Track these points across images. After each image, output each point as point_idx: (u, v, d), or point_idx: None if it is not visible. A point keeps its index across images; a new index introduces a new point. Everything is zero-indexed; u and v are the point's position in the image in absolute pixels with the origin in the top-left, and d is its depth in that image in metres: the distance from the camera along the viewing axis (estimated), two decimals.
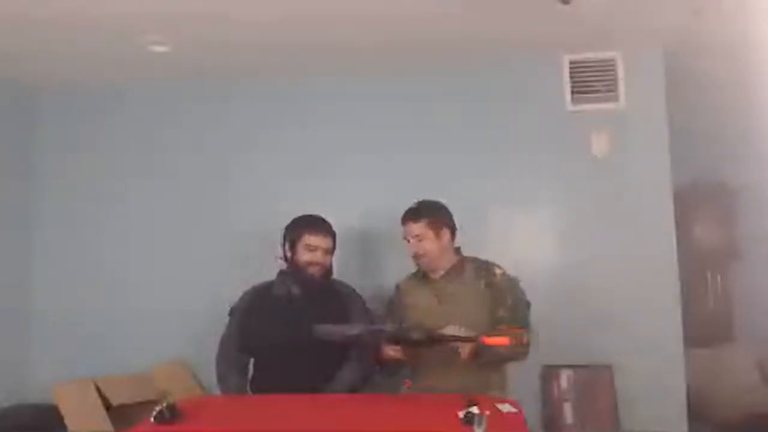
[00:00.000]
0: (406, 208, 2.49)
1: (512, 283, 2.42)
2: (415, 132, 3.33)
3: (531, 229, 3.22)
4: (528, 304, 2.41)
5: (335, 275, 2.68)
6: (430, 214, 2.45)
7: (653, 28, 2.98)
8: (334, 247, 2.57)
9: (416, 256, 2.44)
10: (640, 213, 3.13)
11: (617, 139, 3.18)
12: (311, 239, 2.51)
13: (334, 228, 2.59)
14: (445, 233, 2.45)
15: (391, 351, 2.26)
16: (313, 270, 2.51)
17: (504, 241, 3.08)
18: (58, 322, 3.53)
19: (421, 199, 2.51)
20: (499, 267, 2.45)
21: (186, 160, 3.54)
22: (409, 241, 2.45)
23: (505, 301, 2.36)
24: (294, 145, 3.43)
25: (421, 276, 2.51)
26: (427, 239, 2.41)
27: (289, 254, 2.56)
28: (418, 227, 2.42)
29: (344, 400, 2.32)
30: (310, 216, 2.59)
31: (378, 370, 2.49)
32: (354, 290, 2.65)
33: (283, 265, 2.60)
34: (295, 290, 2.53)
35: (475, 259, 2.50)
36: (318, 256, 2.51)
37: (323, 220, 2.57)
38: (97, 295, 3.52)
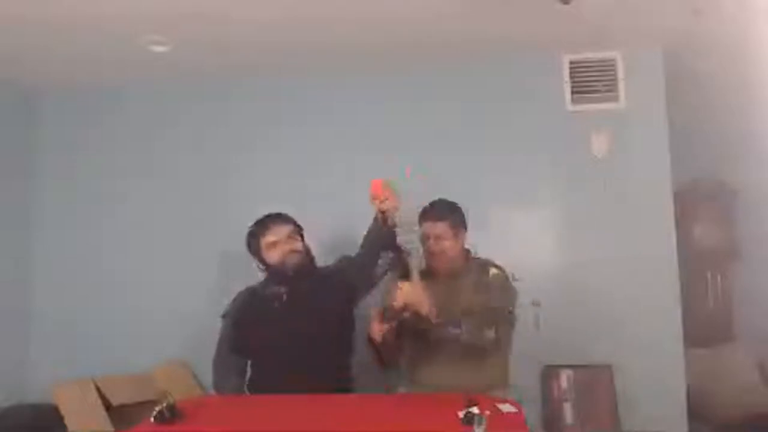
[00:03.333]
0: (423, 207, 2.45)
1: (502, 284, 2.39)
2: (415, 132, 3.33)
3: (531, 229, 3.22)
4: (511, 312, 2.36)
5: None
6: (451, 214, 2.43)
7: (653, 28, 2.98)
8: (298, 230, 2.52)
9: (432, 255, 2.40)
10: (640, 213, 3.13)
11: (617, 139, 3.18)
12: (268, 238, 2.47)
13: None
14: (462, 235, 2.45)
15: (379, 330, 2.22)
16: (293, 260, 2.45)
17: (504, 241, 3.07)
18: (58, 322, 3.54)
19: (436, 199, 2.48)
20: (495, 267, 2.43)
21: (185, 160, 3.54)
22: (427, 240, 2.40)
23: (485, 302, 2.31)
24: (293, 144, 3.43)
25: (426, 274, 2.49)
26: (446, 239, 2.39)
27: (262, 266, 2.54)
28: (439, 227, 2.39)
29: (344, 400, 2.32)
30: (256, 222, 2.54)
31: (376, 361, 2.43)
32: (337, 262, 2.62)
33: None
34: (284, 289, 2.51)
35: (478, 259, 2.49)
36: (286, 244, 2.46)
37: (269, 216, 2.52)
38: (97, 295, 3.52)
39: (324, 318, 2.45)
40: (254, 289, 2.63)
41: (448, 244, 2.40)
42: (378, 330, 2.24)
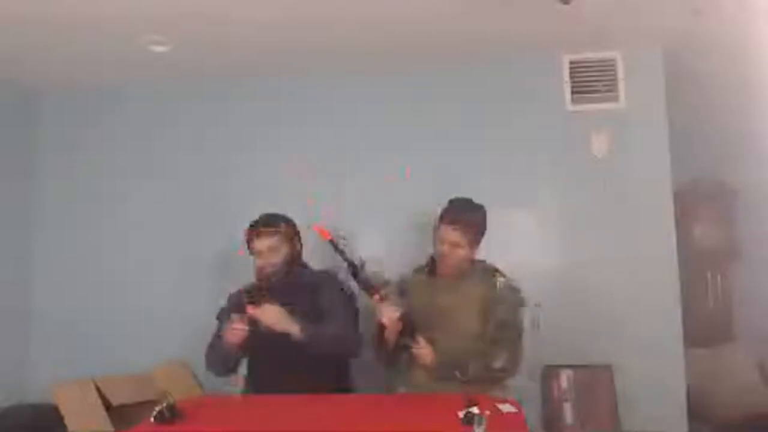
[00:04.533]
0: (449, 204, 2.40)
1: (510, 296, 2.37)
2: (415, 132, 3.33)
3: (531, 229, 3.22)
4: (521, 325, 2.35)
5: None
6: (475, 225, 2.36)
7: (653, 28, 2.98)
8: (286, 241, 2.53)
9: (443, 258, 2.38)
10: (640, 213, 3.13)
11: (617, 139, 3.18)
12: (254, 245, 2.53)
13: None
14: (479, 241, 2.39)
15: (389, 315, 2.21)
16: (266, 272, 2.50)
17: (504, 241, 3.06)
18: (58, 322, 3.54)
19: (460, 197, 2.42)
20: (502, 275, 2.41)
21: (185, 160, 3.54)
22: (441, 242, 2.36)
23: (495, 317, 2.32)
24: (293, 145, 3.43)
25: (430, 273, 2.47)
26: (461, 248, 2.34)
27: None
28: (457, 235, 2.32)
29: (344, 400, 2.32)
30: (253, 221, 2.57)
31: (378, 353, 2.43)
32: (334, 279, 2.62)
33: None
34: (272, 291, 2.50)
35: (483, 263, 2.47)
36: (264, 257, 2.50)
37: (263, 221, 2.55)
38: (97, 295, 3.52)
39: (306, 313, 2.44)
40: (247, 289, 2.63)
41: (459, 253, 2.35)
42: (389, 315, 2.21)
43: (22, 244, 3.58)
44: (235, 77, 3.44)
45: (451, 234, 2.34)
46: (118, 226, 3.56)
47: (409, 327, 2.25)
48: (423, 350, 2.25)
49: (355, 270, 2.20)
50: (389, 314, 2.21)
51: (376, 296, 2.21)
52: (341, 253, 2.22)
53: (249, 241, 2.56)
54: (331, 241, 2.22)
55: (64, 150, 3.66)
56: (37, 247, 3.63)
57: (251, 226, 2.57)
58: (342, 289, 2.59)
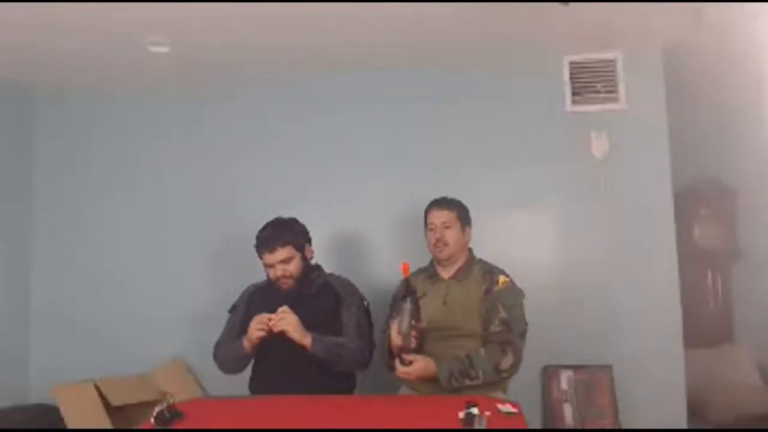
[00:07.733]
0: (432, 200, 2.52)
1: (512, 295, 2.38)
2: (415, 132, 3.33)
3: (531, 229, 3.22)
4: (525, 323, 2.36)
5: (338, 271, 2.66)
6: (458, 206, 2.49)
7: (653, 28, 2.98)
8: (298, 252, 2.48)
9: (438, 243, 2.42)
10: (640, 213, 3.13)
11: (617, 139, 3.18)
12: (265, 258, 2.46)
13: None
14: (468, 230, 2.49)
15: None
16: (282, 283, 2.47)
17: (503, 241, 3.08)
18: (58, 322, 3.54)
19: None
20: (504, 275, 2.42)
21: (185, 160, 3.54)
22: (432, 229, 2.44)
23: (498, 315, 2.32)
24: (294, 145, 3.43)
25: (432, 274, 2.50)
26: (453, 228, 2.43)
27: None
28: (445, 215, 2.43)
29: (344, 400, 2.32)
30: (261, 232, 2.50)
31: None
32: (353, 290, 2.61)
33: None
34: (287, 297, 2.50)
35: (483, 262, 2.49)
36: (278, 270, 2.45)
37: (270, 233, 2.47)
38: (97, 296, 3.53)
39: (323, 321, 2.45)
40: (261, 285, 2.64)
41: (452, 233, 2.42)
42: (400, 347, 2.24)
43: (22, 244, 3.58)
44: (235, 77, 3.44)
45: (440, 215, 2.44)
46: (118, 225, 3.56)
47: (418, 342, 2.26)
48: (406, 369, 2.23)
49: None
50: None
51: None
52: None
53: (260, 256, 2.48)
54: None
55: (64, 150, 3.66)
56: (37, 247, 3.63)
57: (259, 241, 2.48)
58: (359, 300, 2.56)
